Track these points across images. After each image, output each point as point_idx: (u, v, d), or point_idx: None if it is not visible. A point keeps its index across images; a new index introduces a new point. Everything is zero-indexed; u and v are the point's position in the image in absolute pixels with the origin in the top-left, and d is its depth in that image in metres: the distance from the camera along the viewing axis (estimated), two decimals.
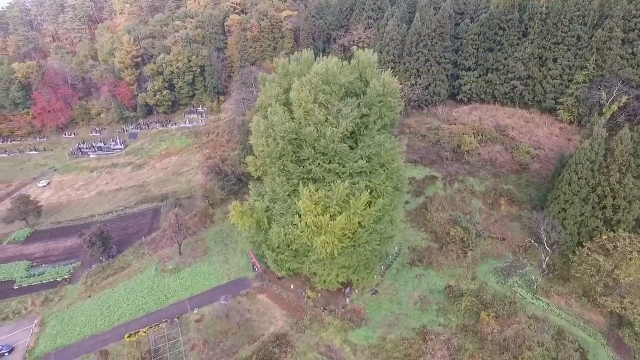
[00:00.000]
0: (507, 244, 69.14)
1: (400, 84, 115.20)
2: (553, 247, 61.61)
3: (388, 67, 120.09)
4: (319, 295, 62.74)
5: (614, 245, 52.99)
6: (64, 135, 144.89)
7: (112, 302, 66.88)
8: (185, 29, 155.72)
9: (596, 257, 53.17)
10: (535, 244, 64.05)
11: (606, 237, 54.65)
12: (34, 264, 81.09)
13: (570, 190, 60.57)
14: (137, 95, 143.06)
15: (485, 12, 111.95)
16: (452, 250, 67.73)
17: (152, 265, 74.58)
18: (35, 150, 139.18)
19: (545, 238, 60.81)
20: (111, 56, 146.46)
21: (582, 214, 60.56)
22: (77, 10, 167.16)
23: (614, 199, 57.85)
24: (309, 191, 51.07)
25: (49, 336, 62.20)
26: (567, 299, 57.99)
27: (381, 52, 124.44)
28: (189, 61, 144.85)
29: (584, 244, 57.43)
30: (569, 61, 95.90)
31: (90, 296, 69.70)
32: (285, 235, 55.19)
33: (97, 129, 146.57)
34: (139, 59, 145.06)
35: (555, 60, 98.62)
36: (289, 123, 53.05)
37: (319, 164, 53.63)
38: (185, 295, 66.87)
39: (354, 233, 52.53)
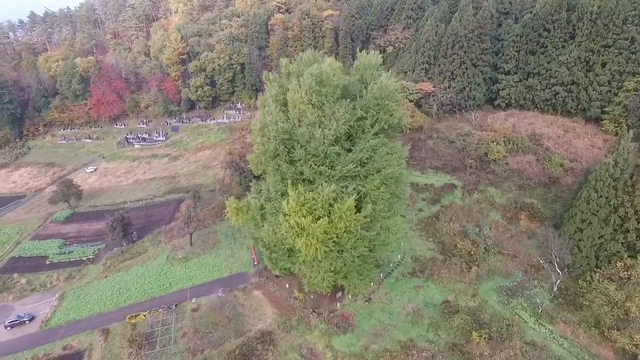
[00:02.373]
0: (518, 262, 64.34)
1: (433, 87, 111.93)
2: (566, 269, 56.40)
3: (422, 70, 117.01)
4: (311, 297, 62.43)
5: (628, 275, 47.39)
6: (115, 126, 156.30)
7: (123, 285, 71.28)
8: (231, 27, 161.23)
9: (606, 286, 47.84)
10: (546, 264, 58.95)
11: (622, 264, 48.98)
12: (67, 242, 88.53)
13: (588, 209, 55.04)
14: (181, 90, 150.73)
15: (530, 13, 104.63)
16: (455, 264, 64.35)
17: (164, 253, 78.48)
18: (90, 138, 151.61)
19: (556, 259, 55.76)
20: (161, 53, 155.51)
21: (602, 236, 54.75)
22: (135, 9, 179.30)
23: (638, 222, 51.72)
24: (297, 192, 50.95)
25: (65, 310, 67.68)
26: (574, 328, 52.76)
27: (416, 54, 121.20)
28: (230, 59, 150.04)
29: (596, 269, 51.89)
30: (619, 66, 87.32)
31: (106, 277, 74.86)
32: (274, 234, 55.65)
33: (144, 121, 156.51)
34: (185, 56, 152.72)
35: (603, 65, 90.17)
36: (282, 123, 53.30)
37: (310, 165, 53.32)
38: (187, 284, 69.64)
39: (339, 237, 51.65)
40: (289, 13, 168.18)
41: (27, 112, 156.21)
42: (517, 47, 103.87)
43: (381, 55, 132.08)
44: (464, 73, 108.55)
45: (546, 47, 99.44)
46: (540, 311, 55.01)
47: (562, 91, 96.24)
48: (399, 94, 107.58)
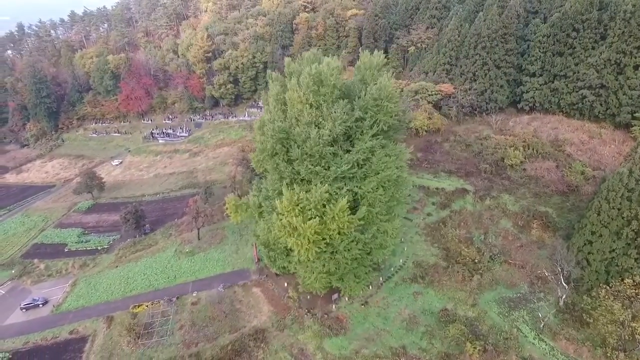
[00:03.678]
0: (525, 273, 61.50)
1: (454, 88, 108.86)
2: (573, 283, 53.42)
3: (443, 70, 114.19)
4: (308, 297, 62.20)
5: (635, 293, 44.25)
6: (142, 121, 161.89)
7: (131, 275, 73.74)
8: (256, 26, 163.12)
9: (611, 303, 44.87)
10: (551, 277, 56.00)
11: (630, 281, 45.78)
12: (86, 232, 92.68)
13: (598, 220, 51.78)
14: (205, 87, 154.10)
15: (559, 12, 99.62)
16: (458, 271, 62.31)
17: (173, 246, 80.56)
18: (118, 132, 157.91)
19: (562, 272, 52.89)
20: (188, 51, 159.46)
21: (613, 250, 51.36)
22: (167, 8, 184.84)
23: None
24: (290, 192, 50.88)
25: (75, 296, 70.88)
26: (578, 347, 49.84)
27: (438, 54, 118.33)
28: (254, 57, 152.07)
29: (602, 285, 48.78)
30: None
31: (117, 266, 77.71)
32: (270, 232, 55.88)
33: (170, 117, 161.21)
34: (210, 54, 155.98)
35: (636, 67, 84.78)
36: (279, 122, 53.42)
37: (306, 165, 53.09)
38: (191, 278, 71.19)
39: (332, 239, 51.16)
40: (315, 12, 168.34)
41: (62, 106, 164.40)
42: (543, 48, 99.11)
43: (403, 55, 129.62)
44: (485, 74, 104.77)
45: (574, 48, 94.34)
46: (542, 326, 52.36)
47: (589, 95, 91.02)
48: (420, 94, 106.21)
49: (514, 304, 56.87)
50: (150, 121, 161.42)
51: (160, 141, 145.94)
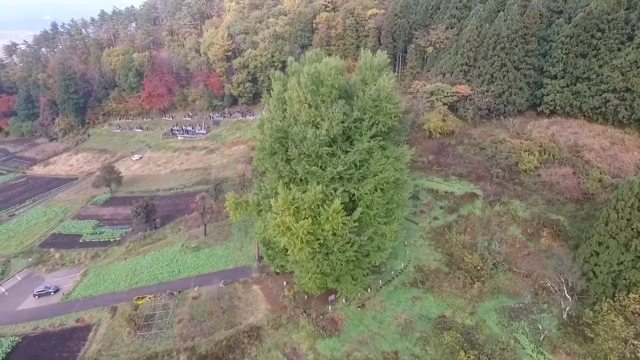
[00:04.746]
0: (529, 283, 59.26)
1: (471, 90, 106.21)
2: (575, 296, 51.09)
3: (460, 71, 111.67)
4: (305, 297, 62.08)
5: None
6: (164, 118, 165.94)
7: (138, 268, 75.74)
8: (277, 25, 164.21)
9: (613, 319, 42.60)
10: (554, 287, 53.68)
11: (635, 296, 43.34)
12: (101, 224, 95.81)
13: (606, 230, 49.26)
14: (224, 86, 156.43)
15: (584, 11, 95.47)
16: (459, 278, 60.72)
17: (180, 241, 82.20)
18: (140, 128, 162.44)
19: (565, 283, 50.67)
20: (209, 49, 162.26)
21: (621, 262, 48.77)
22: (191, 7, 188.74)
23: None
24: (285, 191, 50.89)
25: (84, 286, 73.41)
26: None
27: (456, 55, 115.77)
28: (272, 56, 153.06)
29: (605, 299, 46.39)
30: None
31: (126, 259, 80.00)
32: (265, 231, 56.12)
33: (190, 114, 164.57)
34: (230, 53, 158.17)
35: None
36: (278, 122, 53.54)
37: (303, 165, 52.98)
38: (194, 273, 72.46)
39: (325, 239, 50.86)
40: (335, 11, 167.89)
41: (89, 102, 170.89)
42: (565, 49, 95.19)
43: (422, 56, 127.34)
44: (504, 76, 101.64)
45: (599, 49, 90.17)
46: (542, 338, 50.30)
47: (613, 98, 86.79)
48: (436, 96, 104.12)
49: (515, 314, 54.91)
50: (171, 118, 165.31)
51: (179, 138, 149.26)
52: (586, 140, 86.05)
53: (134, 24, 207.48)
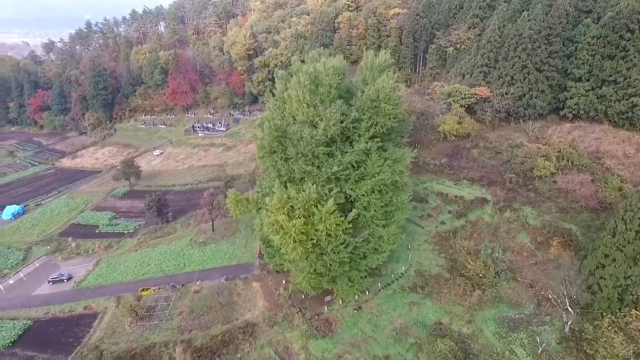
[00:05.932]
0: (533, 293, 56.91)
1: (490, 92, 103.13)
2: (581, 309, 48.70)
3: (480, 73, 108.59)
4: (302, 296, 62.12)
5: None
6: (187, 115, 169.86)
7: (146, 260, 77.89)
8: (299, 25, 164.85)
9: (612, 336, 40.28)
10: (556, 299, 51.30)
11: (637, 312, 40.82)
12: (117, 216, 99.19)
13: (613, 242, 46.64)
14: (245, 84, 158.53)
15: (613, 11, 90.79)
16: (459, 285, 59.07)
17: (189, 236, 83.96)
18: (164, 124, 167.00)
19: (567, 295, 48.38)
20: (232, 48, 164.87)
21: (628, 276, 46.06)
22: (217, 7, 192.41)
23: None
24: (281, 190, 51.07)
25: (95, 275, 76.24)
26: None
27: (476, 55, 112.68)
28: (292, 55, 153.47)
29: (607, 314, 43.94)
30: None
31: (136, 250, 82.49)
32: (262, 229, 56.49)
33: (212, 111, 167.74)
34: (252, 52, 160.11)
35: None
36: (277, 121, 53.80)
37: (299, 165, 53.02)
38: (198, 267, 73.85)
39: (319, 240, 50.66)
40: (358, 10, 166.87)
41: (117, 98, 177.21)
42: (592, 50, 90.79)
43: (442, 56, 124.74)
44: (524, 78, 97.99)
45: (627, 51, 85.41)
46: (540, 351, 48.24)
47: None
48: (453, 97, 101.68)
49: (515, 324, 52.91)
50: (193, 115, 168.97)
51: (199, 134, 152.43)
52: (609, 147, 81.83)
53: (162, 23, 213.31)
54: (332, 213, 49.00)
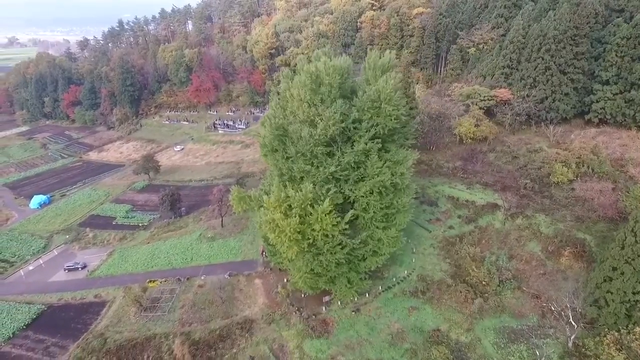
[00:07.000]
0: (538, 304, 54.64)
1: (511, 94, 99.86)
2: (588, 324, 46.41)
3: (502, 74, 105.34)
4: (302, 295, 62.02)
5: None
6: (209, 112, 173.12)
7: (156, 253, 79.92)
8: (321, 24, 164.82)
9: (612, 353, 38.12)
10: (558, 312, 49.00)
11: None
12: (134, 209, 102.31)
13: (621, 255, 44.10)
14: (266, 82, 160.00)
15: None
16: (461, 292, 57.45)
17: (199, 230, 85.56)
18: (187, 121, 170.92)
19: (569, 308, 46.19)
20: (254, 47, 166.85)
21: (637, 292, 43.44)
22: (242, 6, 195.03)
23: None
24: (279, 189, 51.22)
25: (108, 265, 78.87)
26: None
27: (498, 56, 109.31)
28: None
29: (610, 330, 41.59)
30: None
31: (148, 243, 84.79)
32: (260, 227, 56.81)
33: (233, 109, 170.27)
34: (274, 51, 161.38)
35: None
36: (278, 119, 53.96)
37: (298, 164, 52.99)
38: (205, 262, 75.13)
39: (315, 239, 50.45)
40: (382, 10, 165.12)
41: (144, 95, 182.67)
42: (621, 51, 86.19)
43: (464, 57, 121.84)
44: (547, 80, 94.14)
45: None
46: None
47: None
48: (472, 99, 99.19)
49: (515, 335, 50.99)
50: (215, 112, 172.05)
51: (220, 131, 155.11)
52: (635, 154, 77.65)
53: (190, 22, 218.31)
54: (328, 213, 48.67)
